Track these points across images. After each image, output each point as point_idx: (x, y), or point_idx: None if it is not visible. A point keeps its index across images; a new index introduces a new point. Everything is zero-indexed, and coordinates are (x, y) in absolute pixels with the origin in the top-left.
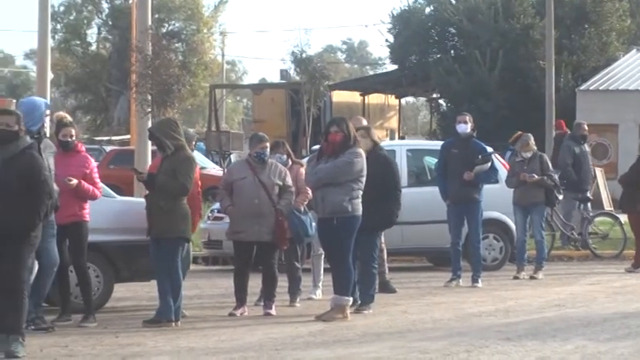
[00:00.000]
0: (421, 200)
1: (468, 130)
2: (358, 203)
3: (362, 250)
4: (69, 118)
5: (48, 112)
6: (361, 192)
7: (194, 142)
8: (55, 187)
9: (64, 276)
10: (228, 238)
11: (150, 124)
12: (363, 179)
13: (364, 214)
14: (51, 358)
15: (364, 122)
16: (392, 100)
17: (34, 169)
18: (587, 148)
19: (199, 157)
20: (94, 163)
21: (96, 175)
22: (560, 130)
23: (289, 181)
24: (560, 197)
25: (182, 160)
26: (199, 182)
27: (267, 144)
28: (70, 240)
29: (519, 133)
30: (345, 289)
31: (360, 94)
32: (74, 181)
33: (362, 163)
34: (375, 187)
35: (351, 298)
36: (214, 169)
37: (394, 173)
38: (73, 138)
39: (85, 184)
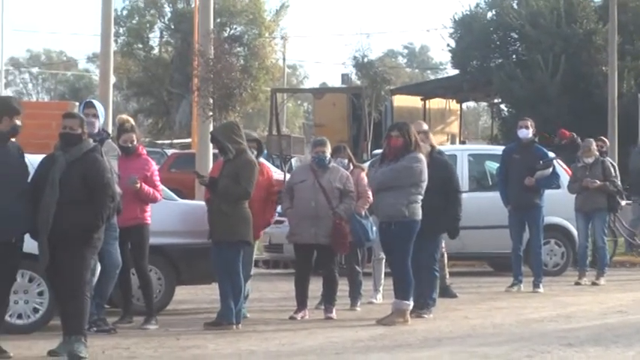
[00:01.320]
0: (482, 205)
1: (530, 135)
2: (416, 208)
3: (424, 254)
4: (131, 121)
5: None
6: (420, 197)
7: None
8: (118, 189)
9: (126, 278)
10: (288, 240)
11: (211, 128)
12: (424, 184)
13: (425, 218)
14: None
15: (425, 127)
16: (453, 104)
17: (97, 171)
18: None
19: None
20: (154, 166)
21: (157, 178)
22: (564, 138)
23: (351, 185)
24: (623, 203)
25: (244, 164)
26: (275, 185)
27: (325, 148)
28: (132, 243)
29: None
30: (405, 294)
31: (421, 99)
32: (138, 183)
33: (421, 168)
34: (435, 190)
35: (411, 303)
36: (275, 173)
37: (453, 176)
38: (134, 143)
39: (146, 187)
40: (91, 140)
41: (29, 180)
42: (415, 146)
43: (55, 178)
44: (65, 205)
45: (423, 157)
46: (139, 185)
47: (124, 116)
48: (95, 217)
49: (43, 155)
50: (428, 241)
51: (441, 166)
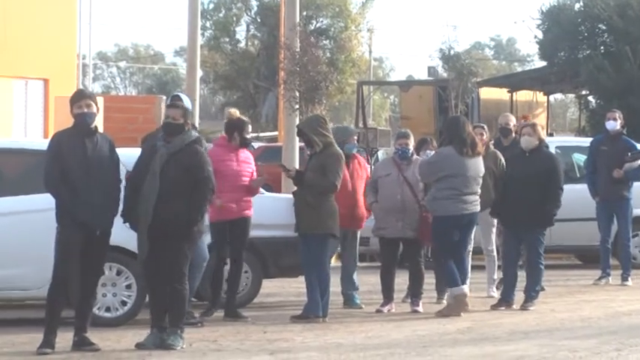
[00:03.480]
0: (570, 197)
1: (618, 127)
2: (440, 204)
3: (528, 247)
4: (244, 118)
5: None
6: (452, 191)
7: (355, 138)
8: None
9: (220, 272)
10: (374, 234)
11: (297, 121)
12: (451, 179)
13: (524, 211)
14: (200, 353)
15: (513, 119)
16: (540, 96)
17: (198, 163)
18: None
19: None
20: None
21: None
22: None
23: None
24: None
25: (330, 157)
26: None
27: (408, 140)
28: (234, 235)
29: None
30: (452, 282)
31: (508, 91)
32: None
33: (440, 164)
34: (539, 184)
35: (464, 286)
36: None
37: (559, 171)
38: (248, 136)
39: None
40: (194, 132)
41: (131, 170)
42: (446, 142)
43: (155, 169)
44: (165, 196)
45: (440, 152)
46: (262, 179)
47: (234, 110)
48: (195, 210)
49: (131, 148)
50: (529, 234)
51: (549, 160)
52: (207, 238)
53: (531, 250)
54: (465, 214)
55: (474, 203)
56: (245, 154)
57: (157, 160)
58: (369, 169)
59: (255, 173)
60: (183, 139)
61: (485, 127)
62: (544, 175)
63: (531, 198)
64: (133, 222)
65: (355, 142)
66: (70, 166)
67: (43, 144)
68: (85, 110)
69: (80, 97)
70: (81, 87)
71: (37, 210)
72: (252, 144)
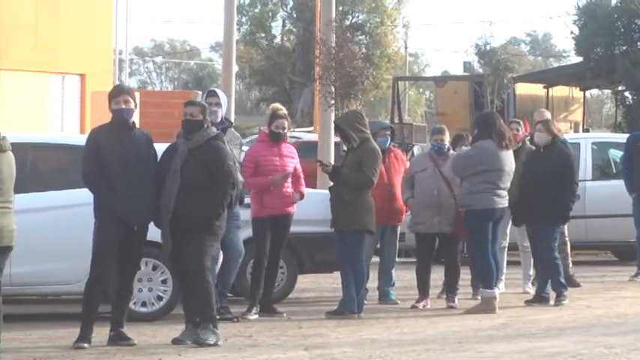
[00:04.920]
0: (606, 193)
1: None
2: (475, 198)
3: (540, 243)
4: (284, 110)
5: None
6: (488, 185)
7: (387, 132)
8: (240, 177)
9: (261, 268)
10: (410, 230)
11: (333, 117)
12: (489, 173)
13: (540, 206)
14: (236, 348)
15: (547, 115)
16: (576, 92)
17: (218, 158)
18: None
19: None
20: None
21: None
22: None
23: None
24: None
25: (367, 152)
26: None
27: (444, 136)
28: (277, 231)
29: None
30: (486, 282)
31: (544, 87)
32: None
33: (478, 158)
34: (554, 179)
35: (495, 290)
36: None
37: (572, 166)
38: (285, 130)
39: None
40: (214, 128)
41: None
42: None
43: (176, 165)
44: (186, 192)
45: (478, 146)
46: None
47: (277, 104)
48: (216, 205)
49: (167, 144)
50: (543, 229)
51: (563, 156)
52: (244, 234)
53: (543, 245)
54: (498, 208)
55: (505, 198)
56: (288, 149)
57: (177, 157)
58: (407, 164)
59: (298, 167)
60: (203, 135)
61: (521, 122)
62: (559, 170)
63: (547, 194)
64: (156, 218)
65: (387, 135)
66: (108, 162)
67: (80, 139)
68: (123, 106)
69: (118, 92)
70: (118, 82)
71: (74, 205)
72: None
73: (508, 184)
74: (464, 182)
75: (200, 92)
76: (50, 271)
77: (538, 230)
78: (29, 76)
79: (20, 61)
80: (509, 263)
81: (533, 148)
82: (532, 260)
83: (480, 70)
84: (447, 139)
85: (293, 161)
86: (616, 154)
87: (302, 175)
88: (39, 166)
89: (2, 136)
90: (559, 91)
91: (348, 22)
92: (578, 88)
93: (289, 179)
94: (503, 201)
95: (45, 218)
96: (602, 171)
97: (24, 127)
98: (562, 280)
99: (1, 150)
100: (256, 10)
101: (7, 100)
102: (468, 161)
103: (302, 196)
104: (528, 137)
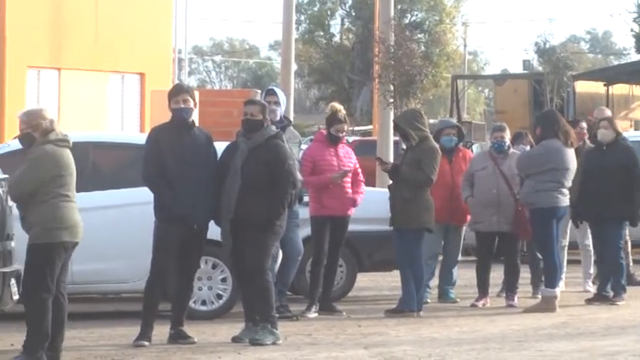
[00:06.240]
0: None
1: None
2: (540, 196)
3: (606, 241)
4: (343, 111)
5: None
6: (553, 184)
7: (452, 131)
8: (299, 176)
9: (320, 267)
10: (470, 228)
11: (392, 115)
12: (554, 171)
13: (606, 205)
14: (295, 346)
15: (608, 113)
16: (637, 90)
17: (278, 157)
18: None
19: None
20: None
21: (359, 169)
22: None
23: None
24: None
25: (427, 151)
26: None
27: (504, 134)
28: (335, 232)
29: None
30: (549, 281)
31: (604, 85)
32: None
33: (545, 156)
34: (618, 177)
35: (556, 290)
36: None
37: (637, 163)
38: (344, 134)
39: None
40: (273, 127)
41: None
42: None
43: (236, 164)
44: (247, 191)
45: (549, 144)
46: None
47: (337, 105)
48: (277, 204)
49: (227, 142)
50: (609, 229)
51: (626, 153)
52: (302, 232)
53: (610, 244)
54: (562, 206)
55: (568, 196)
56: (345, 150)
57: (237, 156)
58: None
59: (358, 169)
60: (263, 134)
61: (584, 123)
62: (622, 168)
63: (609, 192)
64: (217, 217)
65: (452, 134)
66: (168, 161)
67: (139, 138)
68: (182, 105)
69: (178, 92)
70: (178, 81)
71: (133, 204)
72: (347, 137)
73: (570, 183)
74: (528, 180)
75: (259, 91)
76: (111, 269)
77: (605, 229)
78: (89, 75)
79: (80, 60)
80: (569, 262)
81: (593, 146)
82: (592, 259)
83: (540, 69)
84: (508, 137)
85: (351, 161)
86: None
87: (362, 179)
88: (100, 165)
89: (64, 134)
90: (619, 89)
91: (406, 21)
92: (638, 86)
93: (348, 180)
94: (566, 199)
95: (105, 217)
96: None
97: (83, 125)
98: (623, 282)
99: (67, 146)
100: (315, 9)
101: (67, 99)
102: (534, 160)
103: (355, 202)
104: (588, 136)
